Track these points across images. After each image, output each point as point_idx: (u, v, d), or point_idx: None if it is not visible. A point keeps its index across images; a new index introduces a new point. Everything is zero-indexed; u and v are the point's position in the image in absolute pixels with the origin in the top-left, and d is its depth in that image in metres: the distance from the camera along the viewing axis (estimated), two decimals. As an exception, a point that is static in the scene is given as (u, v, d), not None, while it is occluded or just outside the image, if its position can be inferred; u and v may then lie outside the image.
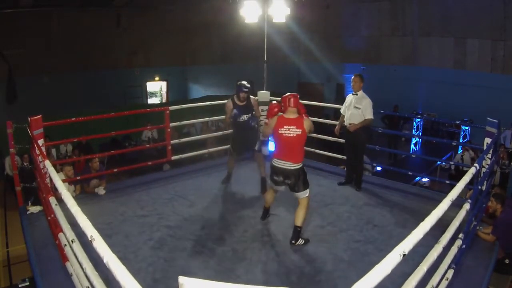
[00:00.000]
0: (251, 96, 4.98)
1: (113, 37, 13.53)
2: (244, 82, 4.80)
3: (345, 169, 5.75)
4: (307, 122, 3.78)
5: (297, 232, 3.80)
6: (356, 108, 5.02)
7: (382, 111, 8.83)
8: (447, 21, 11.99)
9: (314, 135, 6.24)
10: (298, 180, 3.77)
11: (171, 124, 5.71)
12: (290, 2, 7.20)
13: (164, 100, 15.93)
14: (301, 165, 3.80)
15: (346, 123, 5.16)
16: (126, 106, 13.02)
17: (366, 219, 4.41)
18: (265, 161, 5.16)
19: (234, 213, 4.54)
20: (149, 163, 5.70)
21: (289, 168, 3.76)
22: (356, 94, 5.04)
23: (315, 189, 5.33)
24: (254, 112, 4.94)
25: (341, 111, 5.36)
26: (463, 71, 11.97)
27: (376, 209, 4.69)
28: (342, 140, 6.71)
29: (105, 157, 8.84)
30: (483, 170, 4.21)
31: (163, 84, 16.02)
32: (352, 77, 5.10)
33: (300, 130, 3.72)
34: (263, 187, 5.07)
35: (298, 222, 3.79)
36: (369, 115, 4.97)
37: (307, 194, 3.84)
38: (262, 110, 6.59)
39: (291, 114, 3.80)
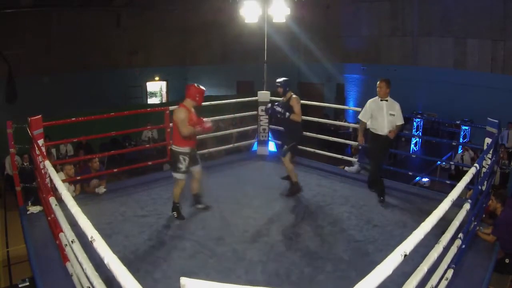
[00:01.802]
0: (292, 95, 4.95)
1: (113, 37, 13.52)
2: (279, 79, 5.01)
3: (368, 173, 5.53)
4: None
5: (173, 205, 4.40)
6: (391, 115, 4.77)
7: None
8: (447, 21, 11.99)
9: (314, 134, 6.26)
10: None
11: (171, 124, 5.71)
12: (290, 2, 7.21)
13: (164, 100, 15.93)
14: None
15: (382, 131, 4.80)
16: (126, 106, 13.00)
17: (366, 219, 4.41)
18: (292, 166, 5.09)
19: (234, 213, 4.54)
20: (149, 163, 5.70)
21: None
22: (386, 100, 4.78)
23: (315, 189, 5.34)
24: (285, 112, 4.88)
25: (362, 117, 5.00)
26: (463, 71, 11.97)
27: (376, 209, 4.69)
28: (342, 140, 6.74)
29: (105, 157, 8.85)
30: (484, 170, 4.21)
31: (163, 84, 16.01)
32: (378, 82, 4.82)
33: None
34: (292, 192, 5.10)
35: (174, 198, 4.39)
36: (401, 121, 4.82)
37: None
38: (263, 110, 6.59)
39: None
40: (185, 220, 4.34)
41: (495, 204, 4.25)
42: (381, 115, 4.79)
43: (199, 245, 3.81)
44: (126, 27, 13.65)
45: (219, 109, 6.63)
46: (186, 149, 4.18)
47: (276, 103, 5.09)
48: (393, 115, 4.75)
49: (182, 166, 4.19)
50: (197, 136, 4.39)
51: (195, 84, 4.19)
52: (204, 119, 4.22)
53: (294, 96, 4.94)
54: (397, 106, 4.79)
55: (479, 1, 11.09)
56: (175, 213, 4.34)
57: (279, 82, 4.99)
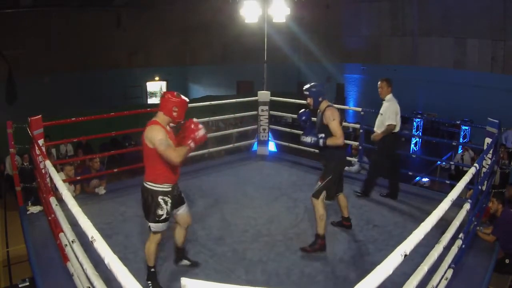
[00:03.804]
0: (328, 107, 3.60)
1: (113, 37, 13.54)
2: (307, 85, 3.73)
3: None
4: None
5: (147, 271, 3.04)
6: (380, 115, 4.64)
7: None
8: (447, 21, 12.00)
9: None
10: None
11: (171, 124, 5.71)
12: (290, 2, 7.21)
13: (164, 100, 15.94)
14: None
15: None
16: (126, 106, 13.01)
17: (366, 219, 4.41)
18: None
19: (234, 213, 4.54)
20: (149, 163, 5.69)
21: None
22: (384, 100, 4.63)
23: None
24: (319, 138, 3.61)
25: None
26: (463, 71, 11.97)
27: (376, 209, 4.68)
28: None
29: (105, 157, 8.85)
30: (484, 170, 4.21)
31: (163, 84, 16.03)
32: (379, 82, 4.69)
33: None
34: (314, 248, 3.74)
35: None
36: (388, 121, 4.54)
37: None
38: (263, 110, 6.58)
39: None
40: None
41: (496, 205, 4.25)
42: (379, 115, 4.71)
43: (199, 245, 3.81)
44: (126, 27, 13.67)
45: (219, 109, 6.63)
46: (166, 187, 2.94)
47: (305, 116, 3.80)
48: (382, 114, 4.65)
49: (163, 212, 2.91)
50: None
51: (175, 93, 2.92)
52: (194, 120, 2.99)
53: (329, 108, 3.59)
54: (385, 104, 4.63)
55: (479, 1, 11.10)
56: (150, 283, 3.00)
57: (307, 90, 3.66)
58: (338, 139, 3.54)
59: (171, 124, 3.01)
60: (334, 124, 3.51)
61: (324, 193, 3.64)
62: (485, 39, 11.33)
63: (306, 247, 3.68)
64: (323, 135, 3.59)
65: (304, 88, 3.71)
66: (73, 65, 12.71)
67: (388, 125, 4.56)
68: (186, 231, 3.31)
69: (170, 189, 2.96)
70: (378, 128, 4.69)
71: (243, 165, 6.36)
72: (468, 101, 11.42)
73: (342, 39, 14.91)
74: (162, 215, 2.92)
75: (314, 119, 3.83)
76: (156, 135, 2.80)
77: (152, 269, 3.03)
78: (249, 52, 13.23)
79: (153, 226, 2.95)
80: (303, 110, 3.82)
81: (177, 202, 3.09)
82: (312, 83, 3.72)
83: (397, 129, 4.66)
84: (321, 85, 3.73)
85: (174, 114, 2.90)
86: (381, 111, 4.68)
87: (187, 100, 2.97)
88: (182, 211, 3.17)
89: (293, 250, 3.73)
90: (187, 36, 14.64)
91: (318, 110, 3.68)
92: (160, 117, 2.93)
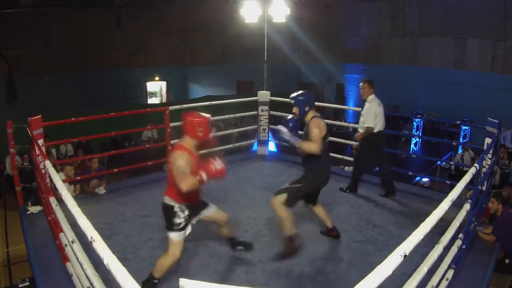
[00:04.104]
0: (315, 116, 3.44)
1: (113, 37, 13.54)
2: (293, 94, 3.56)
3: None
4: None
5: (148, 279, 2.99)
6: (361, 116, 4.78)
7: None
8: (447, 21, 12.00)
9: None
10: None
11: (171, 124, 5.71)
12: (290, 2, 7.21)
13: (164, 100, 15.93)
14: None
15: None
16: (126, 106, 13.02)
17: (366, 219, 4.41)
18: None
19: (234, 213, 4.53)
20: (149, 163, 5.70)
21: None
22: (366, 101, 4.75)
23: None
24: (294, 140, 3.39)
25: None
26: (463, 71, 11.97)
27: (376, 209, 4.69)
28: (342, 140, 6.75)
29: (105, 157, 8.85)
30: (484, 170, 4.21)
31: (163, 84, 16.04)
32: (360, 83, 4.81)
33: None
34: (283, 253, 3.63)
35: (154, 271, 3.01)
36: (367, 123, 4.68)
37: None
38: (263, 110, 6.58)
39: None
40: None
41: (496, 205, 4.25)
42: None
43: (199, 245, 3.81)
44: (126, 27, 13.67)
45: (219, 109, 6.62)
46: (182, 206, 2.99)
47: (291, 123, 3.59)
48: (363, 115, 4.76)
49: (180, 220, 2.96)
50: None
51: (194, 113, 2.94)
52: (216, 159, 2.82)
53: (315, 118, 3.42)
54: (367, 105, 4.71)
55: (479, 1, 11.10)
56: None
57: (293, 99, 3.51)
58: (312, 146, 3.31)
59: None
60: (314, 131, 3.33)
61: (285, 196, 3.45)
62: (485, 39, 11.33)
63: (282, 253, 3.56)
64: (298, 142, 3.35)
65: (290, 97, 3.55)
66: (73, 65, 12.71)
67: (367, 127, 4.70)
68: (229, 226, 3.44)
69: (185, 206, 3.00)
70: (361, 128, 4.85)
71: (243, 165, 6.36)
72: (468, 101, 11.42)
73: (342, 39, 14.91)
74: (180, 223, 2.96)
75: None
76: (176, 160, 2.81)
77: (156, 281, 3.00)
78: (249, 52, 13.23)
79: (171, 235, 2.97)
80: (291, 116, 3.59)
81: (197, 209, 3.14)
82: (299, 92, 3.53)
83: (377, 129, 4.72)
84: (309, 94, 3.51)
85: (200, 134, 2.91)
86: (362, 112, 4.80)
87: (209, 116, 2.97)
88: (209, 212, 3.24)
89: (293, 250, 3.73)
90: (187, 36, 14.64)
91: (305, 121, 3.48)
92: (187, 141, 2.94)
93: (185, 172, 2.78)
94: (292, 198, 3.47)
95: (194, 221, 3.12)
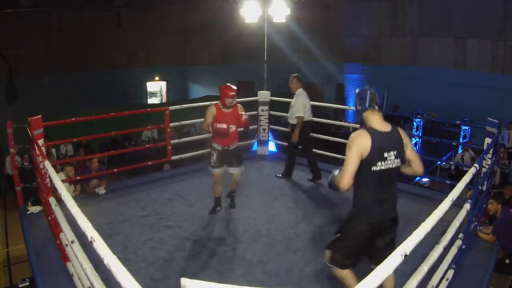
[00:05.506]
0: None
1: (113, 37, 13.53)
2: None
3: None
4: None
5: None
6: (291, 107, 5.38)
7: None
8: (447, 21, 11.99)
9: (314, 134, 6.26)
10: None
11: (171, 124, 5.71)
12: (290, 2, 7.21)
13: (164, 100, 15.93)
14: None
15: (291, 121, 5.45)
16: (126, 106, 13.01)
17: (366, 219, 4.40)
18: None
19: (234, 213, 4.54)
20: (149, 163, 5.70)
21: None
22: (294, 94, 5.35)
23: (315, 189, 5.33)
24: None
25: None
26: (463, 71, 11.96)
27: (376, 209, 4.67)
28: (343, 140, 6.74)
29: (105, 157, 8.85)
30: (484, 170, 4.21)
31: (163, 84, 16.02)
32: (290, 78, 5.38)
33: None
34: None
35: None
36: (297, 113, 5.23)
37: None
38: (263, 110, 6.60)
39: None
40: (185, 220, 4.34)
41: (495, 206, 4.25)
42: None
43: (199, 245, 3.81)
44: (126, 27, 13.66)
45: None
46: (216, 146, 4.24)
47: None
48: (292, 107, 5.35)
49: (212, 161, 4.25)
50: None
51: (225, 85, 4.29)
52: (243, 115, 4.24)
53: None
54: (295, 98, 5.30)
55: (479, 1, 11.09)
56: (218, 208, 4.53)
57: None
58: (340, 181, 2.36)
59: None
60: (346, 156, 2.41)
61: (329, 253, 2.57)
62: (485, 39, 11.32)
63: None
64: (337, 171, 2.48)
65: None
66: (73, 65, 12.69)
67: (297, 117, 5.25)
68: (235, 183, 4.60)
69: (219, 147, 4.25)
70: (290, 118, 5.43)
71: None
72: (468, 101, 11.40)
73: (342, 39, 14.90)
74: (211, 162, 4.27)
75: None
76: (206, 111, 4.23)
77: (217, 197, 4.51)
78: (249, 52, 13.21)
79: (209, 168, 4.32)
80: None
81: (224, 160, 4.29)
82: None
83: (305, 118, 5.29)
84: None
85: (222, 100, 4.23)
86: (291, 104, 5.41)
87: (228, 86, 4.30)
88: (231, 170, 4.39)
89: (293, 250, 3.73)
90: (187, 36, 14.62)
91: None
92: (219, 102, 4.27)
93: (206, 119, 4.18)
94: (340, 256, 2.51)
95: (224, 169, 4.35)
